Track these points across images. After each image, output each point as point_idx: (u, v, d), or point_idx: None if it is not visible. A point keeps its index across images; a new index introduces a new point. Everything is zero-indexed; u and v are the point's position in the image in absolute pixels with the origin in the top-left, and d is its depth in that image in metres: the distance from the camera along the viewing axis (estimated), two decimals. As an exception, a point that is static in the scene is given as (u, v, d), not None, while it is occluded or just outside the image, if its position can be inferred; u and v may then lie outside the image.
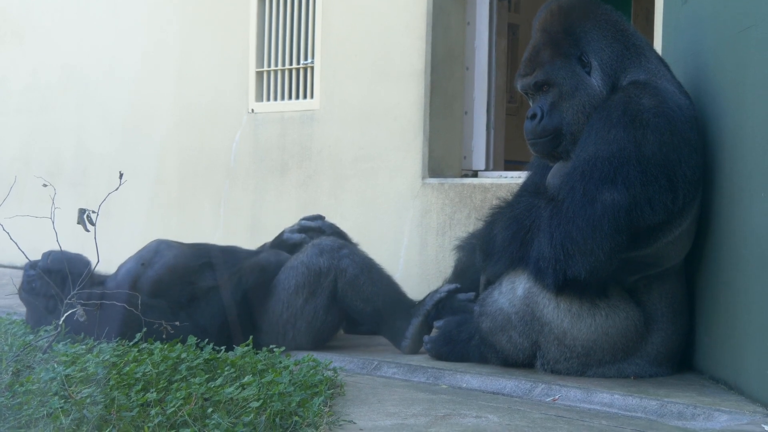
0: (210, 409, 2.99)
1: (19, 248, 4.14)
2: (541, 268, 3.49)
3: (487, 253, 3.76)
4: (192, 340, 3.85)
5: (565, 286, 3.48)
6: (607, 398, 3.28)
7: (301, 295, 4.23)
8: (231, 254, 4.50)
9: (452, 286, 4.24)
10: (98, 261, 4.23)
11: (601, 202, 3.41)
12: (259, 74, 6.59)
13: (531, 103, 3.78)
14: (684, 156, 3.47)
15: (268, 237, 4.89)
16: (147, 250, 4.43)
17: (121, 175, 4.18)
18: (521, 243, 3.57)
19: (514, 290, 3.66)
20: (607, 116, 3.49)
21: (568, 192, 3.48)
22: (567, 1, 3.72)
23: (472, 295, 4.18)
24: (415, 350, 4.16)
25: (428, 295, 4.26)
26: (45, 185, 4.42)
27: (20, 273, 4.50)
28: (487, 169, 5.75)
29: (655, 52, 3.79)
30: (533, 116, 3.71)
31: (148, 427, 2.87)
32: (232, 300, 4.24)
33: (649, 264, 3.61)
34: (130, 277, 4.29)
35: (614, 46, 3.64)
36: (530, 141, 3.75)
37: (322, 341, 4.32)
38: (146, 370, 3.36)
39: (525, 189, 3.99)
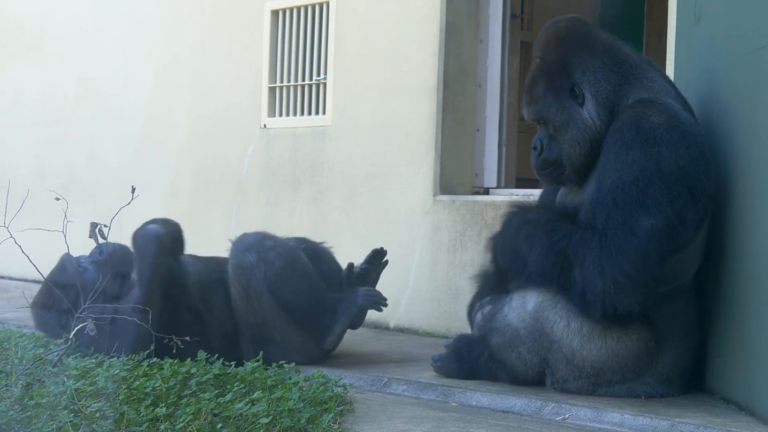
0: (219, 425, 2.99)
1: (30, 261, 4.15)
2: (589, 302, 3.45)
3: (507, 260, 3.74)
4: (202, 355, 3.85)
5: (614, 319, 3.47)
6: (618, 418, 3.27)
7: (253, 297, 4.22)
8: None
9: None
10: (108, 276, 4.24)
11: (643, 231, 3.38)
12: (272, 90, 6.61)
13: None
14: (701, 169, 3.47)
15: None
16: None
17: (133, 190, 4.20)
18: (561, 271, 3.52)
19: (524, 305, 3.65)
20: (622, 138, 3.49)
21: (606, 221, 3.44)
22: (564, 27, 3.74)
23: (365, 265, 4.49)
24: (336, 345, 4.38)
25: (351, 291, 4.34)
26: (57, 199, 4.43)
27: (31, 286, 4.51)
28: (498, 187, 5.75)
29: (658, 70, 3.78)
30: (535, 148, 3.78)
31: (158, 442, 2.88)
32: (243, 315, 4.25)
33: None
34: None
35: (611, 74, 3.64)
36: (536, 172, 3.83)
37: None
38: (156, 385, 3.36)
39: (552, 208, 3.93)
